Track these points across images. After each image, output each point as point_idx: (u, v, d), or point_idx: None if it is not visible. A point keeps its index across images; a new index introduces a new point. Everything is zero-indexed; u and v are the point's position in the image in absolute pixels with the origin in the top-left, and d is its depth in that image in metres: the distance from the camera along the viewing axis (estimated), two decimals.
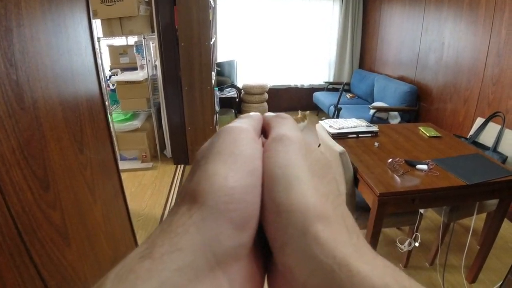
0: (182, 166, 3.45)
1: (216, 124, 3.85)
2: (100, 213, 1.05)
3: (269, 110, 5.03)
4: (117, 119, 3.31)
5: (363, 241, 0.17)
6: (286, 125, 0.22)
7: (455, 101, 3.21)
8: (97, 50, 2.97)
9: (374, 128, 2.10)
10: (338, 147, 1.63)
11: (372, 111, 3.70)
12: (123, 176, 3.33)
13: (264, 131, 0.23)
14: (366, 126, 2.12)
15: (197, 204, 0.16)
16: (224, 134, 0.19)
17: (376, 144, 1.92)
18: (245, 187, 0.17)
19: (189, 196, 0.17)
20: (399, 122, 3.71)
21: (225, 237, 0.15)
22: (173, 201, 2.79)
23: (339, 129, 2.05)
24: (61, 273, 0.79)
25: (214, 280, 0.15)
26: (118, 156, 3.35)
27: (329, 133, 1.97)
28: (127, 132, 3.30)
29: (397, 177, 1.56)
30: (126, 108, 3.28)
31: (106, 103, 3.56)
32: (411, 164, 1.66)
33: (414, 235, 1.79)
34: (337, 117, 3.56)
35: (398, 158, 1.66)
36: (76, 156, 0.89)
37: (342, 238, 0.16)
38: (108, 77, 3.37)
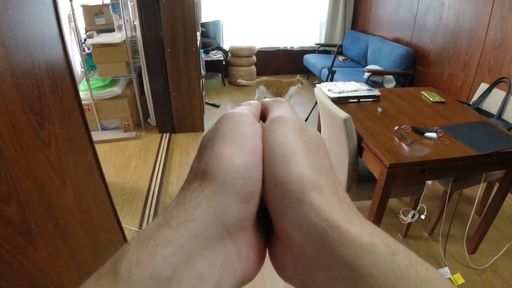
0: (168, 134, 3.26)
1: (203, 89, 3.63)
2: (72, 197, 0.89)
3: (258, 74, 4.80)
4: (95, 85, 3.04)
5: (354, 208, 0.18)
6: (282, 107, 0.23)
7: (453, 65, 3.06)
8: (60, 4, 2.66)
9: (376, 92, 1.95)
10: (342, 113, 1.48)
11: (366, 74, 3.53)
12: (105, 147, 3.12)
13: (263, 116, 0.25)
14: (368, 90, 1.96)
15: (208, 181, 0.17)
16: (227, 119, 0.21)
17: (379, 109, 1.78)
18: (248, 164, 0.18)
19: (200, 174, 0.18)
20: (394, 86, 3.57)
21: (233, 209, 0.17)
22: (160, 172, 2.64)
23: (339, 93, 1.89)
24: (25, 280, 0.64)
25: (224, 247, 0.17)
26: (99, 126, 3.13)
27: (328, 97, 1.81)
28: (107, 99, 3.05)
29: (405, 146, 1.43)
30: (104, 74, 3.01)
31: (82, 69, 3.25)
32: (419, 132, 1.53)
33: (419, 206, 1.71)
34: (331, 80, 3.38)
35: (404, 125, 1.53)
36: (35, 132, 0.71)
37: (334, 204, 0.17)
38: (83, 40, 3.06)
